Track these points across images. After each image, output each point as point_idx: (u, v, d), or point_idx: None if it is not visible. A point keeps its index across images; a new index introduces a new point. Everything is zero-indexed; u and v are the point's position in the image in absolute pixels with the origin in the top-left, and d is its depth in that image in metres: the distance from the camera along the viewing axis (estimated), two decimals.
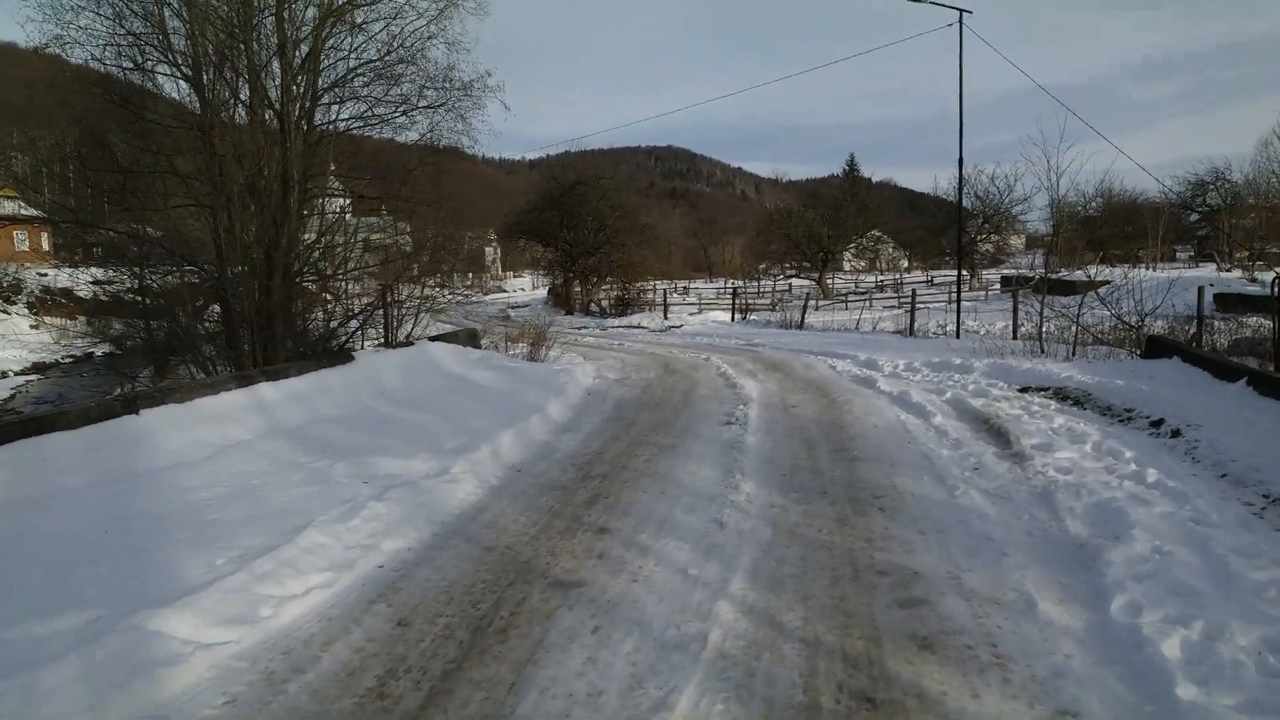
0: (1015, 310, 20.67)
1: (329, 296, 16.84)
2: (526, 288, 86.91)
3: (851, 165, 72.89)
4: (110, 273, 15.57)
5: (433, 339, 13.71)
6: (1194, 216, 63.36)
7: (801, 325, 27.47)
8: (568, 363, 16.10)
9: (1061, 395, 10.70)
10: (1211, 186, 58.58)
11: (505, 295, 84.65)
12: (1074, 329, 14.84)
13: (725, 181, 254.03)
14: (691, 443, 8.49)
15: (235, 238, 12.63)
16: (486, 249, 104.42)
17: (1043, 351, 14.57)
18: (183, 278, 13.62)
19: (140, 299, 13.84)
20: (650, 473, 7.32)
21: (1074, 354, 14.11)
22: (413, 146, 20.67)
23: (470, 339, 14.95)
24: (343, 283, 18.49)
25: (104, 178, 15.40)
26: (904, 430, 8.83)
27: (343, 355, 11.49)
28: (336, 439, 8.30)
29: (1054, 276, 40.92)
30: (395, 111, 19.73)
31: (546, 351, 16.94)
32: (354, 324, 15.01)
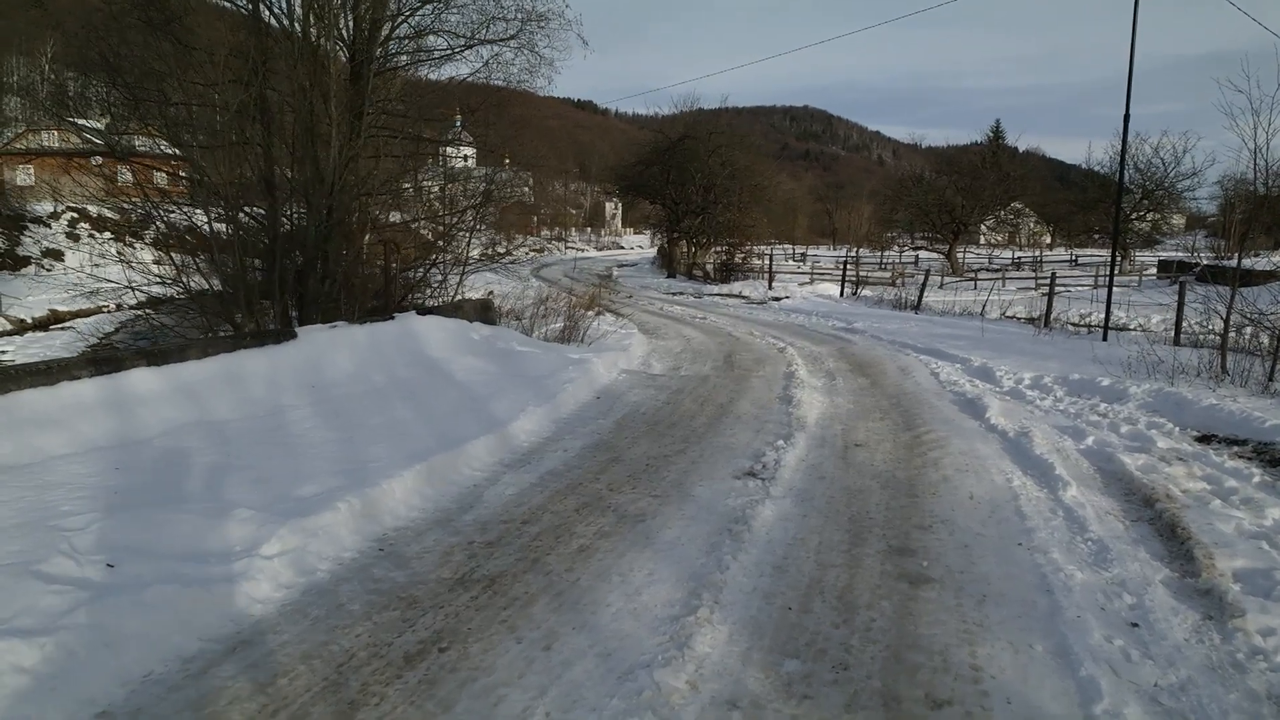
0: (1181, 306, 16.62)
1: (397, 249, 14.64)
2: (645, 245, 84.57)
3: (996, 132, 66.95)
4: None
5: (426, 311, 11.09)
6: None
7: (918, 307, 23.81)
8: (614, 343, 13.34)
9: (1269, 457, 7.22)
10: None
11: (621, 252, 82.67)
12: (1274, 339, 11.01)
13: (861, 145, 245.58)
14: (674, 514, 5.53)
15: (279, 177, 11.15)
16: (607, 204, 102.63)
17: (1224, 371, 10.87)
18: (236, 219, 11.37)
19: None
20: (566, 586, 4.42)
21: (1273, 376, 10.39)
22: (483, 86, 18.38)
23: (482, 311, 12.29)
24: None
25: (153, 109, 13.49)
26: (1015, 512, 5.65)
27: (280, 333, 8.99)
28: (162, 467, 5.75)
29: (1227, 264, 35.58)
30: (460, 44, 17.49)
31: (589, 329, 14.17)
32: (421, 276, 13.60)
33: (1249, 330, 11.95)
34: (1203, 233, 65.97)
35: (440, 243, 19.72)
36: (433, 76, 17.49)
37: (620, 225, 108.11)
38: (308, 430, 6.87)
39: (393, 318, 10.39)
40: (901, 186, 56.42)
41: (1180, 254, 48.90)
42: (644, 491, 5.95)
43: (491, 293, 22.06)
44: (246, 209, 11.41)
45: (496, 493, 5.97)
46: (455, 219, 17.64)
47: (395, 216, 15.82)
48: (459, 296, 18.82)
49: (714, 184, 42.43)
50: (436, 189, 20.18)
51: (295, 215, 11.37)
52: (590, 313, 19.34)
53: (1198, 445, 7.65)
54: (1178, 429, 8.15)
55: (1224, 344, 11.49)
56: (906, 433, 7.89)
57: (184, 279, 10.75)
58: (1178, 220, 62.34)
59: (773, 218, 70.75)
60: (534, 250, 75.65)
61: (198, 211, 10.75)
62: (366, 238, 14.56)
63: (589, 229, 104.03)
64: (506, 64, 17.72)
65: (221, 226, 10.97)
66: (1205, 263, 38.36)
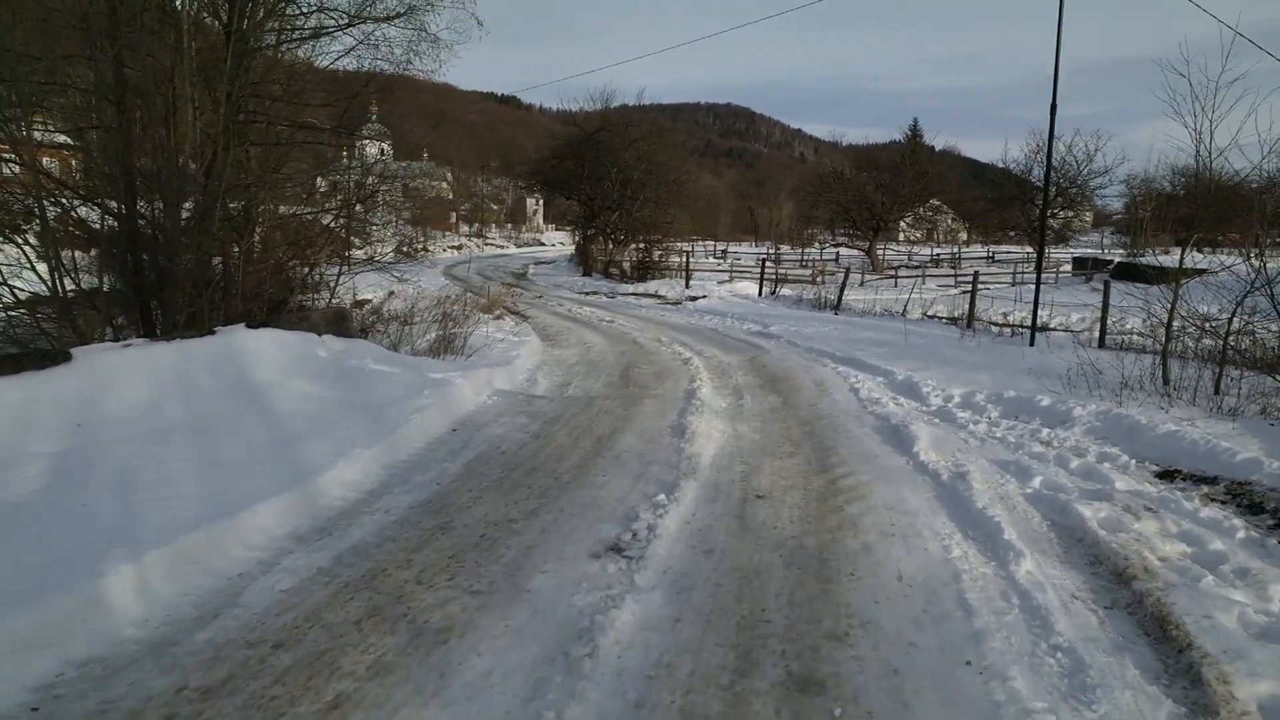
0: (1106, 307, 15.71)
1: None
2: (567, 242, 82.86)
3: (914, 130, 66.91)
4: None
5: (259, 324, 9.28)
6: None
7: (838, 308, 22.69)
8: (499, 355, 11.75)
9: (1246, 501, 6.00)
10: None
11: (541, 249, 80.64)
12: (1219, 345, 9.95)
13: (784, 143, 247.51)
14: (494, 625, 3.92)
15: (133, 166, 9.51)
16: (529, 200, 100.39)
17: (1166, 382, 9.79)
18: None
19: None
20: None
21: (1218, 389, 9.32)
22: (371, 73, 16.72)
23: (335, 322, 10.53)
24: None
25: None
26: (957, 603, 4.23)
27: (50, 356, 7.15)
28: None
29: (1137, 261, 35.52)
30: (344, 21, 15.79)
31: (469, 338, 12.52)
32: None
33: (1189, 335, 10.94)
34: (1109, 230, 67.24)
35: (352, 239, 18.17)
36: (320, 63, 15.71)
37: (542, 222, 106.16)
38: (27, 495, 5.11)
39: (213, 333, 8.59)
40: (822, 183, 55.77)
41: (1093, 251, 49.35)
42: (464, 585, 4.37)
43: (391, 294, 20.37)
44: (98, 203, 9.75)
45: (264, 588, 4.33)
46: (341, 213, 16.10)
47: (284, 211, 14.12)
48: (351, 298, 17.13)
49: (631, 179, 40.97)
50: (343, 183, 18.60)
51: (155, 211, 9.72)
52: (488, 316, 17.74)
53: (1161, 485, 6.40)
54: (1134, 462, 6.91)
55: (1165, 351, 10.41)
56: (820, 476, 6.45)
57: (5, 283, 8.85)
58: (1087, 218, 63.34)
59: (694, 214, 69.72)
60: (451, 248, 73.21)
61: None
62: (256, 235, 12.96)
63: (510, 225, 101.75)
64: (392, 43, 16.15)
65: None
66: (1118, 260, 38.48)
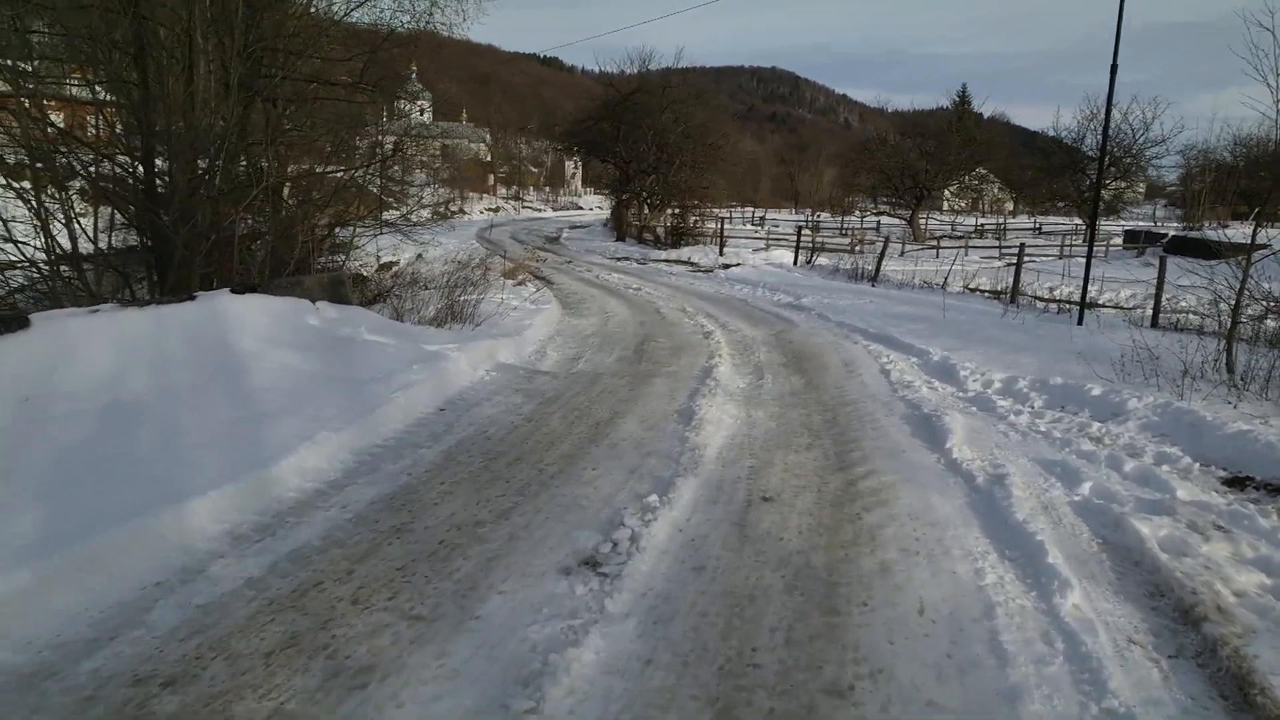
0: (1160, 284, 14.70)
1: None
2: (604, 206, 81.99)
3: (962, 96, 64.83)
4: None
5: (245, 288, 8.69)
6: None
7: (875, 279, 21.74)
8: (511, 324, 11.15)
9: None
10: None
11: (578, 213, 79.90)
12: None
13: (828, 108, 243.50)
14: (425, 665, 3.25)
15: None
16: (567, 163, 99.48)
17: (1231, 371, 8.89)
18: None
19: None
20: None
21: None
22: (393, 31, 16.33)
23: (331, 288, 9.88)
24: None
25: None
26: (989, 648, 3.51)
27: (6, 321, 6.61)
28: None
29: (1194, 234, 33.94)
30: None
31: (478, 305, 11.88)
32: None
33: (1252, 316, 10.03)
34: (1162, 202, 64.93)
35: (388, 199, 17.84)
36: (336, 13, 15.11)
37: (580, 185, 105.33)
38: None
39: (193, 298, 8.02)
40: (865, 149, 54.44)
41: (1146, 224, 47.54)
42: (404, 608, 3.73)
43: (420, 257, 19.86)
44: (115, 160, 9.46)
45: (178, 603, 3.73)
46: (373, 172, 15.81)
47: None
48: (375, 261, 16.72)
49: (667, 141, 39.91)
50: (379, 142, 18.22)
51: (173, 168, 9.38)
52: (510, 282, 17.13)
53: (1230, 494, 5.61)
54: (1198, 466, 6.10)
55: (1231, 336, 9.49)
56: (839, 474, 5.73)
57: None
58: (1140, 189, 61.17)
59: (733, 180, 68.53)
60: (488, 210, 72.71)
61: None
62: (285, 193, 12.68)
63: (548, 188, 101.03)
64: None
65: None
66: (1173, 234, 36.90)
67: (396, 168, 18.89)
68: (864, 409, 7.61)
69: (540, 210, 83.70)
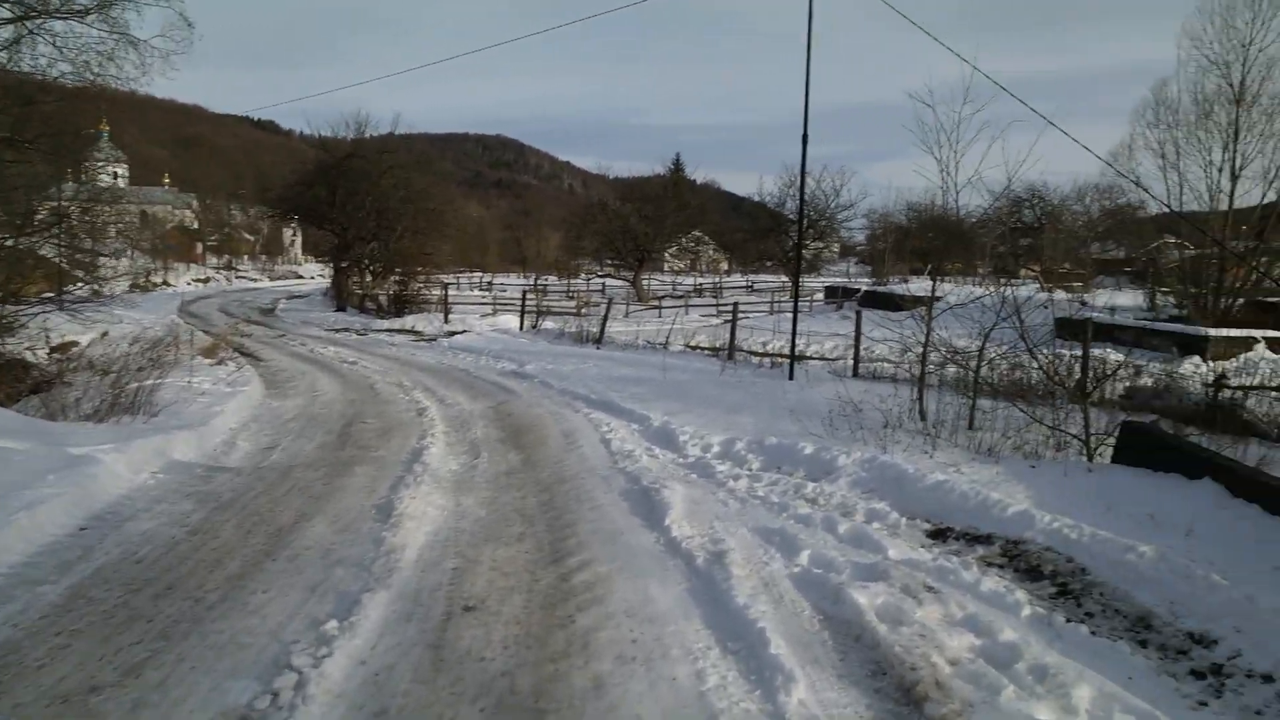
0: (859, 336, 15.77)
1: None
2: (326, 274, 78.02)
3: (677, 164, 68.64)
4: None
5: None
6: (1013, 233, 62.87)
7: (600, 341, 21.79)
8: (197, 412, 9.75)
9: (1024, 564, 5.36)
10: (1028, 204, 57.64)
11: (298, 282, 75.50)
12: (970, 376, 9.75)
13: (552, 174, 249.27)
14: None
15: None
16: (285, 230, 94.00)
17: (923, 418, 9.44)
18: None
19: None
20: None
21: (972, 424, 9.04)
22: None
23: None
24: None
25: None
26: None
27: None
28: None
29: (882, 289, 37.55)
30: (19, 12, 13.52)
31: (152, 392, 10.36)
32: None
33: (935, 362, 10.80)
34: (854, 259, 72.05)
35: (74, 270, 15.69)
36: None
37: (300, 253, 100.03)
38: None
39: None
40: (588, 214, 55.83)
41: (843, 280, 52.14)
42: None
43: (105, 335, 17.55)
44: None
45: None
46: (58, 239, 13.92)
47: None
48: (45, 342, 14.53)
49: (387, 207, 38.56)
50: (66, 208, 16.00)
51: None
52: (209, 361, 15.42)
53: (935, 547, 5.70)
54: (904, 520, 6.19)
55: (921, 384, 10.12)
56: (551, 569, 5.19)
57: None
58: (835, 248, 67.49)
59: (460, 245, 67.79)
60: (197, 281, 67.02)
61: None
62: None
63: (265, 257, 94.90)
64: (80, 45, 13.94)
65: None
66: (865, 288, 40.60)
67: (85, 236, 16.72)
68: (583, 486, 7.17)
69: (256, 280, 78.34)
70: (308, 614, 4.42)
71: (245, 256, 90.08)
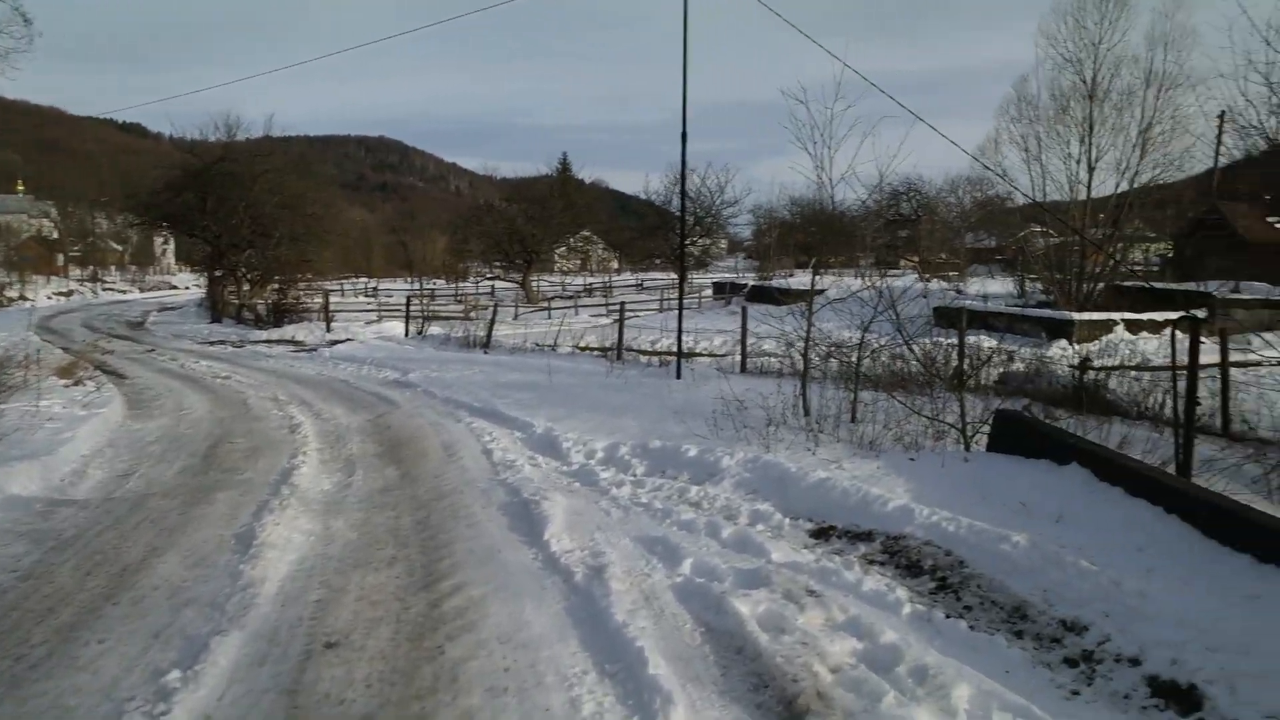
0: (745, 332, 15.89)
1: None
2: (202, 285, 74.50)
3: (564, 164, 68.45)
4: None
5: None
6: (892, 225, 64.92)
7: (487, 346, 21.36)
8: (45, 439, 9.00)
9: (904, 560, 5.36)
10: (905, 197, 59.62)
11: (172, 293, 71.89)
12: (851, 369, 9.88)
13: (438, 176, 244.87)
14: None
15: None
16: (157, 239, 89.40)
17: (807, 413, 9.48)
18: None
19: None
20: None
21: (855, 417, 9.12)
22: None
23: None
24: None
25: None
26: None
27: None
28: None
29: (768, 284, 38.15)
30: None
31: None
32: None
33: (819, 355, 10.92)
34: (741, 255, 73.24)
35: None
36: None
37: (173, 263, 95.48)
38: None
39: None
40: (474, 215, 55.10)
41: (730, 276, 52.87)
42: None
43: None
44: None
45: None
46: None
47: None
48: None
49: (263, 213, 36.99)
50: None
51: None
52: (64, 382, 14.36)
53: (818, 547, 5.66)
54: (788, 521, 6.15)
55: (805, 379, 10.16)
56: (422, 595, 4.91)
57: None
58: (723, 245, 68.52)
59: (342, 251, 65.89)
60: (58, 294, 63.01)
61: None
62: None
63: (134, 268, 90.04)
64: None
65: None
66: (751, 284, 41.20)
67: None
68: (461, 501, 6.89)
69: (125, 292, 74.26)
70: (148, 665, 4.04)
71: (113, 267, 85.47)
